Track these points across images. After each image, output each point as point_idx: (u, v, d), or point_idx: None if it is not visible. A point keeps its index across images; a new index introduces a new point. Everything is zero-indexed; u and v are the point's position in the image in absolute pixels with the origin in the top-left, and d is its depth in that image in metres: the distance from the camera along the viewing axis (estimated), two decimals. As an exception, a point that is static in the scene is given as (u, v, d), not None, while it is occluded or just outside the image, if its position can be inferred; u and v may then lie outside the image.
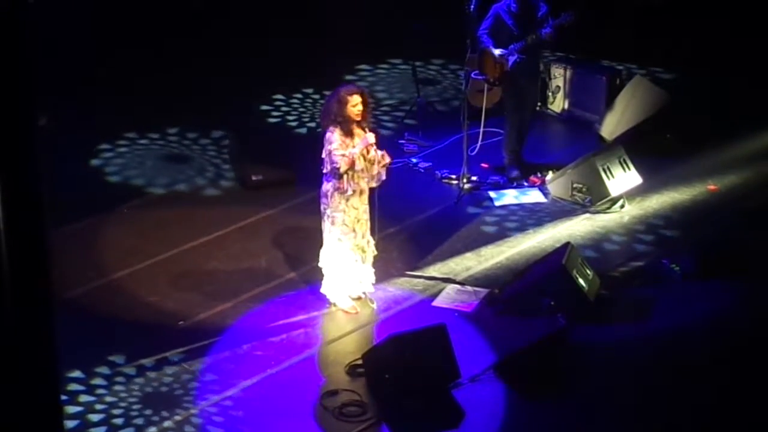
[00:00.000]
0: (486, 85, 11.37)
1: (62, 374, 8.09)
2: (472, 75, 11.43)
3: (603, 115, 12.35)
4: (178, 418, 8.11)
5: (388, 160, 9.00)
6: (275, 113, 12.81)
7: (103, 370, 8.54)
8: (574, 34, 11.45)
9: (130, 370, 8.55)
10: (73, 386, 8.35)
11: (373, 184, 9.02)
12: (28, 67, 4.25)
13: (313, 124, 12.36)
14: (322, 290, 9.23)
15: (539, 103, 12.86)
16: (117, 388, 8.38)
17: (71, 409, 8.11)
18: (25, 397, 4.47)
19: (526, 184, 11.35)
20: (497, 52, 11.03)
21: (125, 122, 12.26)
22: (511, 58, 11.02)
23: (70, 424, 7.96)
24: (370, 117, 9.10)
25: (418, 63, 13.10)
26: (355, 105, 8.82)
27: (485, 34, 11.08)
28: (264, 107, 12.89)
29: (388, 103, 13.01)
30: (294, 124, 12.60)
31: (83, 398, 8.27)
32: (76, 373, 8.46)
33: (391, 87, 13.43)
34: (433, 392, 8.32)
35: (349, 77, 13.44)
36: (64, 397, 8.05)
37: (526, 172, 11.46)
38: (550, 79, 12.85)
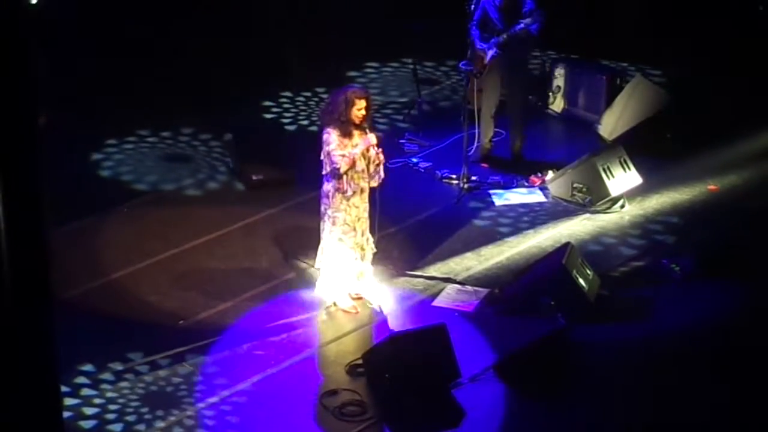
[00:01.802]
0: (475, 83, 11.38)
1: (61, 374, 8.10)
2: (461, 65, 11.48)
3: (603, 115, 12.35)
4: (178, 417, 8.11)
5: (381, 158, 9.00)
6: (275, 113, 12.81)
7: (103, 369, 8.54)
8: (575, 33, 11.47)
9: (130, 370, 8.54)
10: (73, 387, 8.35)
11: (374, 184, 9.02)
12: (29, 66, 4.25)
13: (311, 123, 12.38)
14: (317, 292, 9.24)
15: (539, 103, 12.88)
16: (116, 387, 8.38)
17: (71, 408, 8.11)
18: (24, 396, 4.47)
19: (526, 183, 11.36)
20: (479, 45, 11.11)
21: (125, 121, 12.26)
22: (490, 52, 11.07)
23: (69, 425, 7.96)
24: (371, 121, 9.09)
25: (418, 63, 13.10)
26: (360, 108, 8.83)
27: (474, 26, 11.18)
28: (264, 107, 12.89)
29: (387, 102, 13.04)
30: (294, 123, 12.60)
31: (83, 397, 8.26)
32: (76, 373, 8.46)
33: (397, 87, 13.44)
34: (433, 392, 8.32)
35: (351, 74, 13.45)
36: (63, 396, 8.05)
37: (525, 171, 11.49)
38: (550, 78, 12.86)
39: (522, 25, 10.96)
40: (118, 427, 8.03)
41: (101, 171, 11.49)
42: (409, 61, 13.07)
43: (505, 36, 11.02)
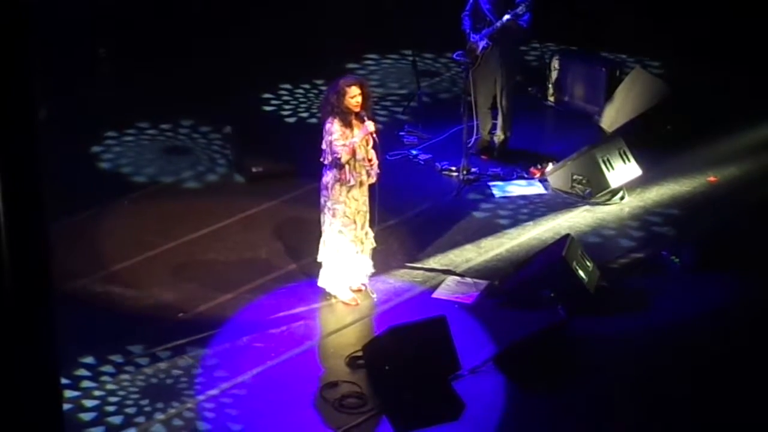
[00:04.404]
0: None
1: (62, 367, 8.10)
2: (455, 56, 11.51)
3: (603, 106, 12.36)
4: (178, 409, 8.12)
5: (375, 162, 8.97)
6: (275, 105, 12.82)
7: (103, 362, 8.55)
8: (575, 25, 11.46)
9: (130, 363, 8.55)
10: (74, 380, 8.35)
11: (371, 181, 9.00)
12: (28, 60, 4.25)
13: (311, 116, 12.38)
14: (319, 284, 9.24)
15: (539, 95, 12.89)
16: (117, 380, 8.39)
17: (71, 401, 8.12)
18: (25, 390, 4.48)
19: (526, 175, 11.37)
20: (472, 36, 11.13)
21: (125, 114, 12.26)
22: (481, 44, 11.09)
23: (70, 417, 7.96)
24: (370, 108, 9.08)
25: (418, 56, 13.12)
26: (353, 96, 8.81)
27: (466, 17, 11.22)
28: (264, 99, 12.90)
29: (387, 94, 13.05)
30: (294, 115, 12.61)
31: (83, 390, 8.27)
32: (76, 366, 8.47)
33: (392, 79, 13.45)
34: (433, 384, 8.33)
35: (350, 66, 13.45)
36: (63, 389, 8.06)
37: (525, 163, 11.49)
38: (549, 71, 12.86)
39: (510, 16, 10.96)
40: (118, 419, 8.03)
41: (101, 164, 11.50)
42: (409, 53, 13.08)
43: (495, 27, 11.03)
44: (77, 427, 7.90)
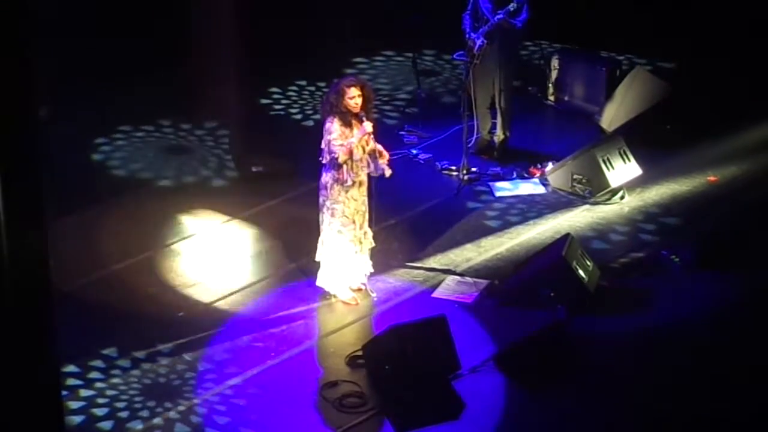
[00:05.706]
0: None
1: (62, 365, 8.11)
2: (455, 56, 11.53)
3: (603, 106, 12.35)
4: (178, 409, 8.11)
5: (386, 155, 8.99)
6: (275, 105, 12.81)
7: (104, 361, 8.55)
8: (575, 24, 11.45)
9: (130, 362, 8.55)
10: (73, 378, 8.35)
11: (375, 174, 9.02)
12: (29, 59, 4.25)
13: (313, 116, 12.38)
14: (318, 283, 9.24)
15: (539, 94, 12.88)
16: (117, 380, 8.39)
17: (72, 401, 8.12)
18: (25, 388, 4.48)
19: (526, 174, 11.36)
20: (469, 34, 11.15)
21: (125, 113, 12.26)
22: (478, 42, 11.10)
23: (71, 416, 7.96)
24: (371, 110, 9.08)
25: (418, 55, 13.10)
26: (353, 97, 8.81)
27: (467, 16, 11.24)
28: (264, 99, 12.89)
29: (388, 94, 13.03)
30: (295, 115, 12.60)
31: (83, 390, 8.27)
32: (77, 365, 8.46)
33: (393, 78, 13.44)
34: (433, 383, 8.33)
35: (348, 70, 13.45)
36: (64, 390, 8.05)
37: (525, 162, 11.49)
38: (549, 70, 12.86)
39: (501, 15, 10.98)
40: (124, 418, 8.05)
41: (101, 163, 11.49)
42: (409, 53, 13.08)
43: (488, 26, 11.05)
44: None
